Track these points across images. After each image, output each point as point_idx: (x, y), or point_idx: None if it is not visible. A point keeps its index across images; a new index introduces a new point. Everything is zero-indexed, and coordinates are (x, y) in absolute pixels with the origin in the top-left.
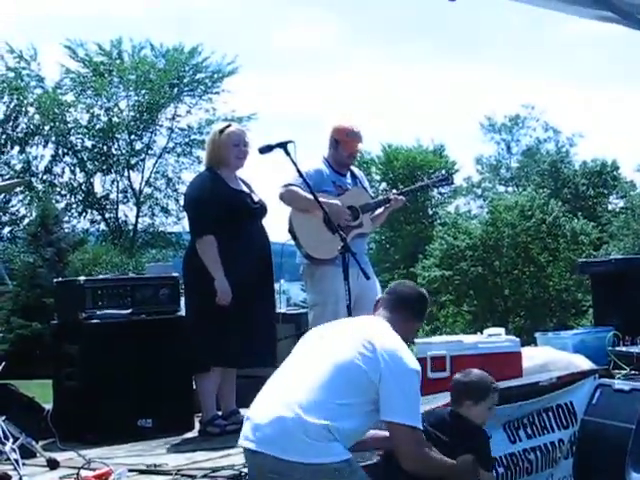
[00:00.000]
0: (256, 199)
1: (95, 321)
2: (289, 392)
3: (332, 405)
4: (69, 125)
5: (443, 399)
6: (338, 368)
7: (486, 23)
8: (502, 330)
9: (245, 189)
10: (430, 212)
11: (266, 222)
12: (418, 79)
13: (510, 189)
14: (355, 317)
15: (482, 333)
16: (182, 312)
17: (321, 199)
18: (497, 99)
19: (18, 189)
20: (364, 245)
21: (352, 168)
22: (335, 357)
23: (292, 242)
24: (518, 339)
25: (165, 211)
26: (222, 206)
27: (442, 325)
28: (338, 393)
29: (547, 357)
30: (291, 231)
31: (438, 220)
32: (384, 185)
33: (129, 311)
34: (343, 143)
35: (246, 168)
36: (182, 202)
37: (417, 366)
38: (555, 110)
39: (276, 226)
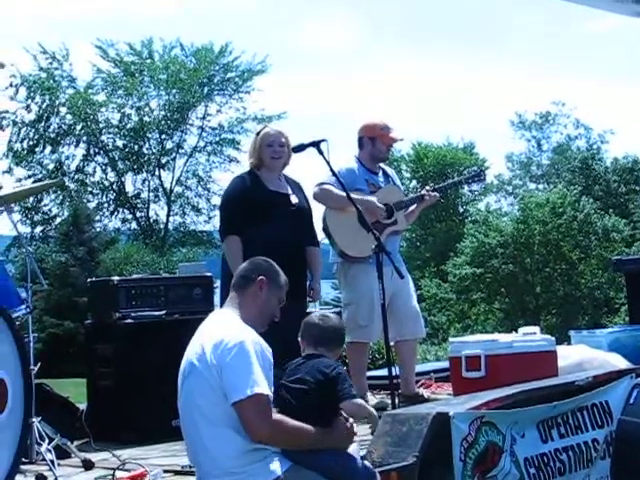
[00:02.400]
0: (294, 201)
1: (129, 321)
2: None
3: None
4: (100, 125)
5: (478, 399)
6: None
7: (512, 19)
8: (537, 329)
9: (285, 190)
10: (461, 209)
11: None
12: (446, 77)
13: (541, 186)
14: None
15: (516, 331)
16: None
17: (355, 197)
18: (527, 96)
19: (51, 189)
20: (398, 243)
21: (383, 166)
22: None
23: (326, 240)
24: (553, 338)
25: (196, 210)
26: (251, 207)
27: (473, 323)
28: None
29: (582, 356)
30: (325, 229)
31: (469, 217)
32: (414, 183)
33: (163, 311)
34: (380, 137)
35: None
36: (216, 202)
37: (240, 337)
38: (586, 107)
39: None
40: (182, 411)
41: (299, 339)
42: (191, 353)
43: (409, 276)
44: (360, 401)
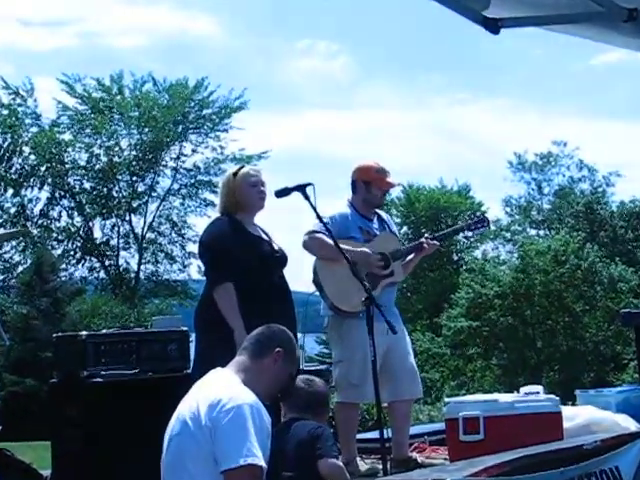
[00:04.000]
0: (276, 247)
1: (98, 380)
2: None
3: None
4: (66, 166)
5: (477, 465)
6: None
7: (508, 55)
8: (540, 388)
9: (265, 237)
10: (455, 257)
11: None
12: (438, 113)
13: (542, 232)
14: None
15: (517, 390)
16: (191, 370)
17: (347, 247)
18: (527, 135)
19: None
20: (394, 295)
21: (378, 211)
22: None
23: (317, 293)
24: (558, 398)
25: (169, 258)
26: (243, 253)
27: (469, 380)
28: None
29: (589, 417)
30: (316, 281)
31: (464, 266)
32: (405, 229)
33: (135, 370)
34: (374, 182)
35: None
36: (191, 249)
37: (239, 399)
38: (590, 147)
39: (294, 275)
40: (167, 471)
41: (281, 403)
42: (183, 411)
43: (405, 330)
44: (339, 463)
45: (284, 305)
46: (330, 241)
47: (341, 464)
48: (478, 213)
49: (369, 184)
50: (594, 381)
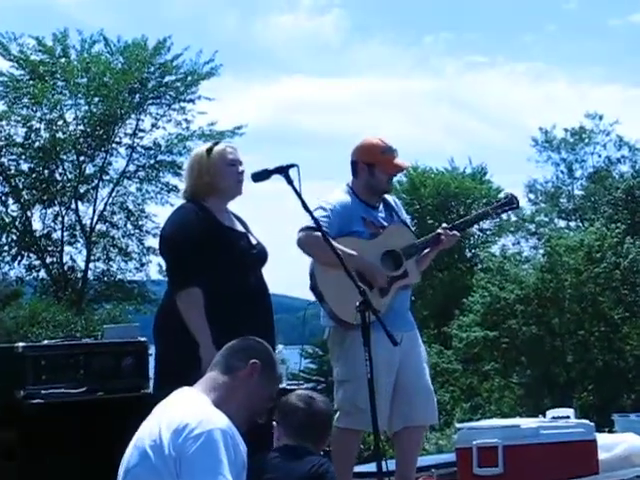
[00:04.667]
0: (254, 241)
1: (38, 401)
2: None
3: None
4: None
5: None
6: None
7: (532, 10)
8: (571, 411)
9: (240, 228)
10: (468, 254)
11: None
12: (449, 81)
13: (573, 224)
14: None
15: (543, 414)
16: (151, 388)
17: (348, 250)
18: (555, 107)
19: None
20: (408, 299)
21: (384, 196)
22: None
23: (316, 300)
24: (592, 424)
25: (124, 254)
26: (212, 249)
27: (485, 402)
28: None
29: (630, 447)
30: (314, 288)
31: (479, 265)
32: (408, 220)
33: (82, 388)
34: (380, 165)
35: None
36: (149, 243)
37: (209, 423)
38: (630, 121)
39: (274, 276)
40: None
41: (273, 423)
42: (143, 438)
43: (420, 340)
44: None
45: (262, 312)
46: (331, 242)
47: None
48: (504, 194)
49: (373, 167)
50: (635, 404)
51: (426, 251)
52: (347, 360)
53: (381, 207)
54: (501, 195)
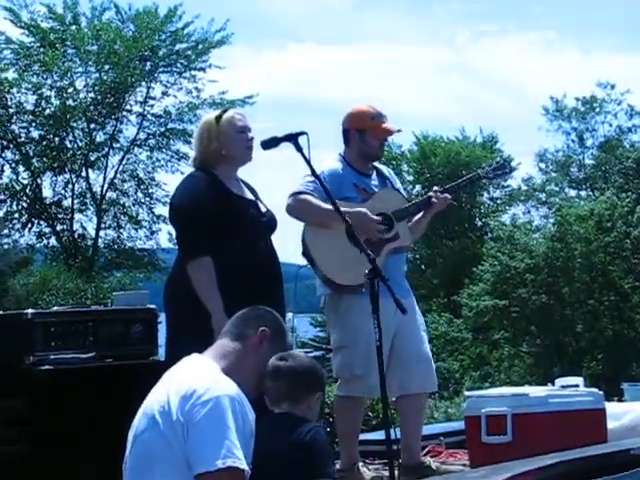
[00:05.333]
0: (263, 209)
1: (47, 367)
2: None
3: None
4: (10, 110)
5: (503, 472)
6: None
7: None
8: (580, 380)
9: (249, 195)
10: (479, 223)
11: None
12: (458, 49)
13: (583, 193)
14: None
15: (552, 383)
16: (161, 355)
17: (341, 209)
18: (566, 76)
19: None
20: (402, 264)
21: (377, 165)
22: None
23: (309, 266)
24: (601, 392)
25: (134, 222)
26: (221, 218)
27: (495, 371)
28: None
29: (639, 416)
30: (306, 253)
31: (489, 234)
32: (418, 188)
33: (91, 354)
34: (370, 130)
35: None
36: (159, 211)
37: (217, 389)
38: None
39: (284, 244)
40: (130, 476)
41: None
42: (151, 404)
43: (418, 309)
44: None
45: (271, 281)
46: (319, 202)
47: None
48: (498, 159)
49: (364, 132)
50: None
51: (419, 215)
52: (343, 326)
53: (374, 175)
54: (496, 160)
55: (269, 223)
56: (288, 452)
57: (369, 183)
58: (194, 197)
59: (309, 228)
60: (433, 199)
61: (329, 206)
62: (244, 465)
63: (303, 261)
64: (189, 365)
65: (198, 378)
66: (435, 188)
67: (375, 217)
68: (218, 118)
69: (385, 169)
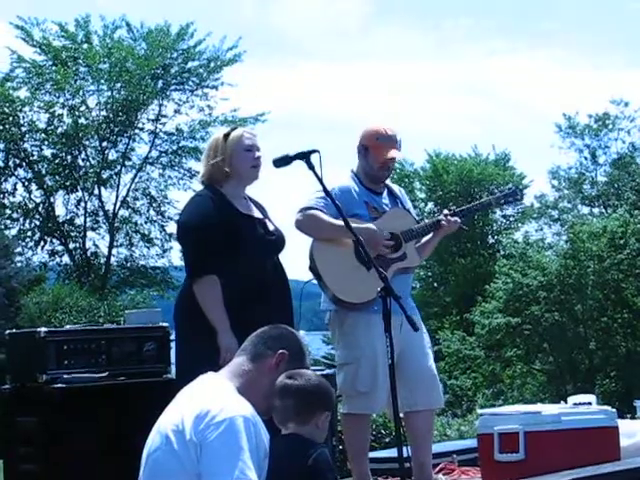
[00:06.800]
0: (271, 227)
1: (60, 386)
2: None
3: None
4: (22, 129)
5: None
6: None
7: None
8: (593, 398)
9: (257, 214)
10: (491, 240)
11: (283, 257)
12: (471, 67)
13: (596, 211)
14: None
15: (565, 400)
16: (173, 374)
17: (341, 222)
18: (579, 93)
19: None
20: (409, 284)
21: (389, 184)
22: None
23: (315, 282)
24: (614, 410)
25: (147, 240)
26: (228, 236)
27: (507, 389)
28: None
29: None
30: (313, 269)
31: (501, 251)
32: (431, 205)
33: (104, 373)
34: (373, 150)
35: (254, 186)
36: (172, 229)
37: (232, 410)
38: None
39: (293, 262)
40: None
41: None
42: (165, 423)
43: (424, 327)
44: None
45: (279, 299)
46: (329, 218)
47: None
48: (510, 185)
49: (367, 150)
50: None
51: (428, 237)
52: (347, 342)
53: (385, 193)
54: (509, 185)
55: (277, 241)
56: (292, 476)
57: (380, 202)
58: (200, 216)
59: (317, 243)
60: (443, 222)
61: (338, 222)
62: None
63: (308, 276)
64: (204, 384)
65: (213, 398)
66: (445, 212)
67: (382, 234)
68: (226, 135)
69: (397, 188)
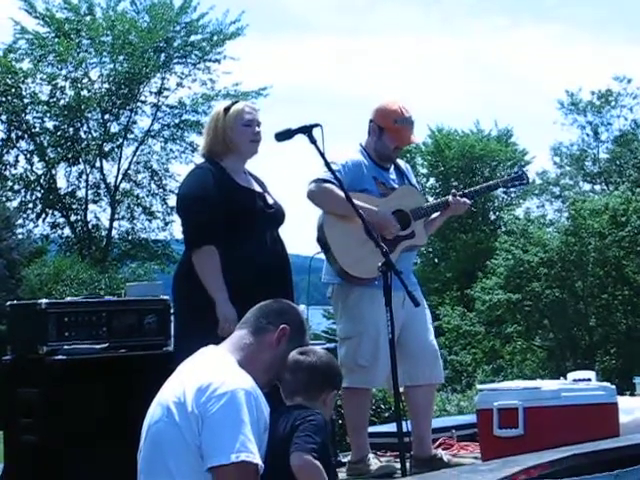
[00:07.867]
0: (271, 201)
1: (60, 357)
2: None
3: None
4: (25, 100)
5: (514, 465)
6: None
7: None
8: (592, 374)
9: (256, 187)
10: (492, 217)
11: (282, 231)
12: (474, 43)
13: (597, 187)
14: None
15: (564, 377)
16: (172, 346)
17: (361, 204)
18: (581, 70)
19: None
20: (412, 261)
21: (396, 160)
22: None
23: (321, 255)
24: (613, 387)
25: (148, 213)
26: (227, 209)
27: (507, 365)
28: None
29: None
30: (321, 240)
31: (502, 227)
32: (432, 181)
33: (104, 345)
34: (390, 132)
35: (254, 161)
36: (173, 203)
37: (233, 383)
38: None
39: (293, 237)
40: (144, 467)
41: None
42: (166, 396)
43: (425, 303)
44: (312, 461)
45: (279, 272)
46: (341, 193)
47: (316, 463)
48: (516, 169)
49: (383, 131)
50: None
51: (435, 215)
52: (350, 317)
53: (392, 169)
54: (515, 169)
55: (276, 215)
56: (288, 434)
57: (387, 177)
58: (199, 187)
59: (328, 216)
60: (451, 203)
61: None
62: (257, 459)
63: (313, 252)
64: (206, 357)
65: (214, 371)
66: (454, 191)
67: (392, 218)
68: (227, 109)
69: (403, 164)
